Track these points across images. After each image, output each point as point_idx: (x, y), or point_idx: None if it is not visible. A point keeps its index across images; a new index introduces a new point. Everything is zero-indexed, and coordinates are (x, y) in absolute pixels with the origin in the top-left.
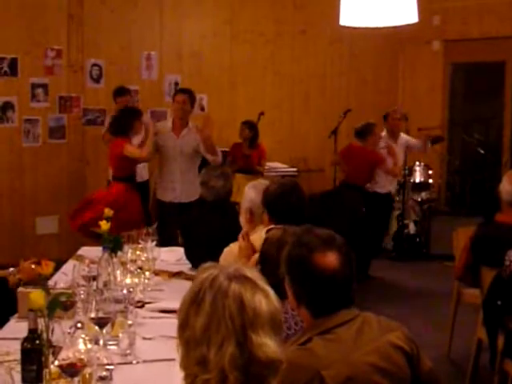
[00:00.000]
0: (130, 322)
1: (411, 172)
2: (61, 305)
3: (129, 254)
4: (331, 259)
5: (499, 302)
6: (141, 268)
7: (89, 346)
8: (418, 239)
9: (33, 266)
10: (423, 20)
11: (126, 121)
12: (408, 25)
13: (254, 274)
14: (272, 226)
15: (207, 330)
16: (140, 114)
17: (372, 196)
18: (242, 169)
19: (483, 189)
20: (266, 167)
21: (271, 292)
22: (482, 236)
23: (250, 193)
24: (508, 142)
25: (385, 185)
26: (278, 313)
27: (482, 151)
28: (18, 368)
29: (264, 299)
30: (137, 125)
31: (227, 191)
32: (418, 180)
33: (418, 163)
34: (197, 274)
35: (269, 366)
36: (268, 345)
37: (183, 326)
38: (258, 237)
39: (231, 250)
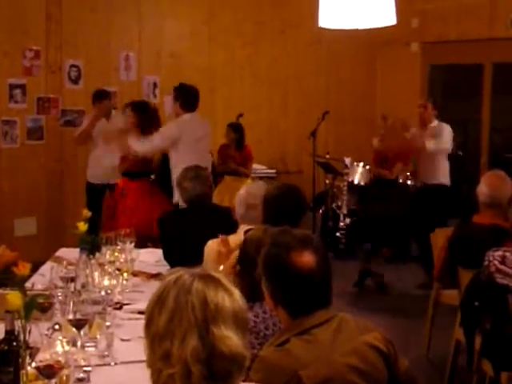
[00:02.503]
0: (107, 324)
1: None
2: (38, 306)
3: (107, 256)
4: (308, 259)
5: (476, 303)
6: (119, 269)
7: (66, 347)
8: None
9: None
10: (402, 22)
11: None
12: (386, 27)
13: (219, 275)
14: (251, 227)
15: (170, 324)
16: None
17: None
18: (229, 171)
19: (461, 190)
20: None
21: (236, 292)
22: (459, 237)
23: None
24: (486, 144)
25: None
26: (242, 311)
27: (461, 153)
28: None
29: (227, 297)
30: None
31: (198, 194)
32: (401, 181)
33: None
34: (164, 277)
35: (232, 360)
36: (231, 338)
37: (148, 324)
38: (237, 237)
39: (212, 247)
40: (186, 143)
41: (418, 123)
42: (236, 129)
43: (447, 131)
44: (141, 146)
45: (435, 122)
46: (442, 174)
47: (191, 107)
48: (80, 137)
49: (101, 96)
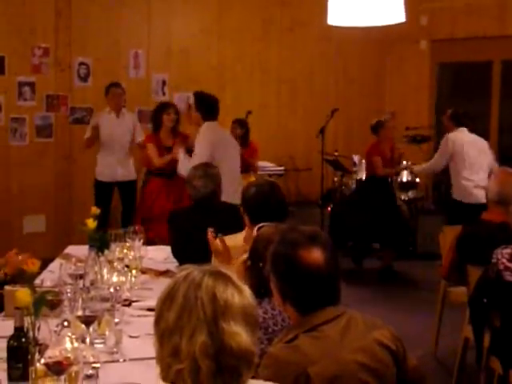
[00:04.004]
0: (116, 321)
1: (398, 171)
2: (47, 303)
3: (116, 253)
4: (316, 255)
5: (485, 300)
6: (128, 266)
7: (75, 344)
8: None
9: (19, 257)
10: (411, 20)
11: (154, 115)
12: (395, 24)
13: (229, 272)
14: (263, 224)
15: (179, 319)
16: (166, 107)
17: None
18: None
19: None
20: None
21: (246, 289)
22: (468, 234)
23: None
24: (495, 141)
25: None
26: (252, 308)
27: None
28: (4, 366)
29: (237, 293)
30: (164, 118)
31: (209, 191)
32: (404, 179)
33: (404, 162)
34: (174, 274)
35: (241, 356)
36: (240, 334)
37: (158, 320)
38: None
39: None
40: (221, 153)
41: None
42: (242, 125)
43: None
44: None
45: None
46: (455, 191)
47: (212, 117)
48: (88, 141)
49: (109, 85)
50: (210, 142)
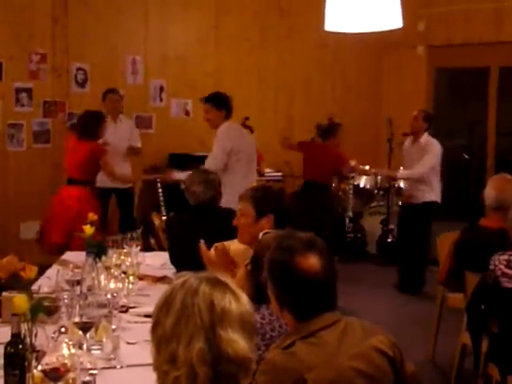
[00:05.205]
0: (113, 327)
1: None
2: (44, 309)
3: (113, 259)
4: (312, 262)
5: (483, 307)
6: (125, 273)
7: (72, 350)
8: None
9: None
10: (408, 25)
11: (93, 124)
12: (393, 30)
13: (226, 279)
14: (267, 230)
15: (177, 326)
16: (102, 118)
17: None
18: None
19: (467, 194)
20: None
21: (244, 296)
22: (465, 241)
23: None
24: (492, 147)
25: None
26: (249, 315)
27: (467, 156)
28: (1, 373)
29: (234, 301)
30: (102, 130)
31: (208, 197)
32: (402, 185)
33: (401, 168)
34: (171, 281)
35: (238, 363)
36: (237, 341)
37: (155, 326)
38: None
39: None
40: (242, 152)
41: (410, 133)
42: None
43: (433, 150)
44: (208, 163)
45: (425, 136)
46: (434, 193)
47: (231, 114)
48: None
49: (106, 91)
50: (224, 148)
